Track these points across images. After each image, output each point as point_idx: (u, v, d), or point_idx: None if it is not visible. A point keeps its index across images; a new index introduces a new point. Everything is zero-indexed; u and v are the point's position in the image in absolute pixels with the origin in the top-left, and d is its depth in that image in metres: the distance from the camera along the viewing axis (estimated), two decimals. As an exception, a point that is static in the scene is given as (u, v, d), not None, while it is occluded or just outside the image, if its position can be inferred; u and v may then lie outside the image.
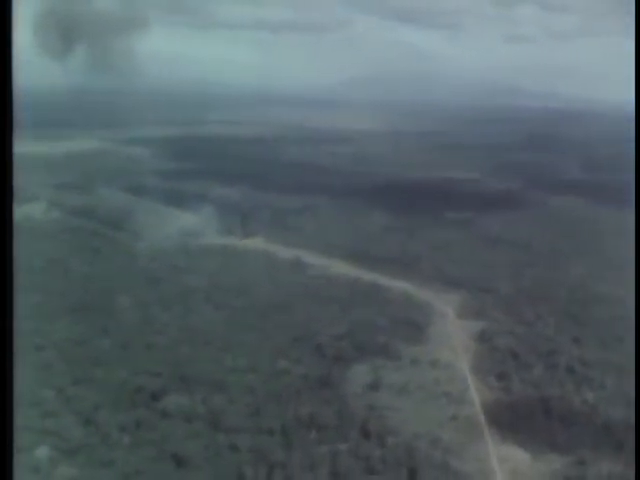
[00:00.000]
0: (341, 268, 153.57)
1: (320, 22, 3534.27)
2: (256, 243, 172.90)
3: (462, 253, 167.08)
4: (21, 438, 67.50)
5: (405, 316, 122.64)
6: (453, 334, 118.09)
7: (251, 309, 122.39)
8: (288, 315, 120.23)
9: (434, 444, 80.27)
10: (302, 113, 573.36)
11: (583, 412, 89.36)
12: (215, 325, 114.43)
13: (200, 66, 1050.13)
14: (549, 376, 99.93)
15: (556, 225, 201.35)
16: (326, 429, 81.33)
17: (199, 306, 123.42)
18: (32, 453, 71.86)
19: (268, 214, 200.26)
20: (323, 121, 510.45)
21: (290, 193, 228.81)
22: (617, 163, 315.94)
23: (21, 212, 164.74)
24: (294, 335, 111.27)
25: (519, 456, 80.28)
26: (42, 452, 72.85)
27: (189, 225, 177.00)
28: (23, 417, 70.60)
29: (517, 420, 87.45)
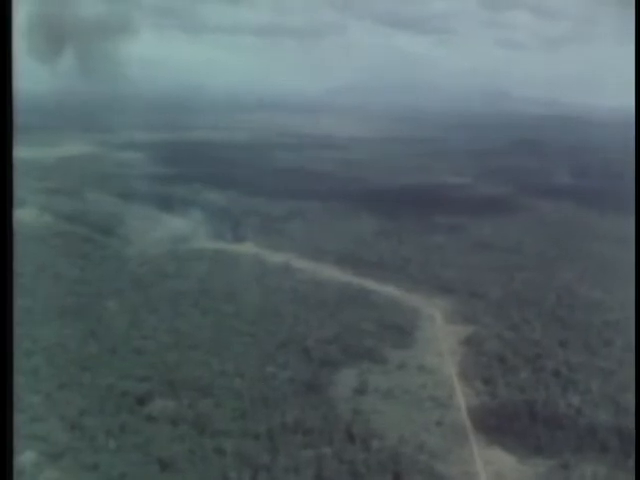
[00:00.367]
0: (330, 273, 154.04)
1: (310, 27, 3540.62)
2: (245, 248, 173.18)
3: (451, 258, 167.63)
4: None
5: (393, 321, 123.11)
6: (441, 339, 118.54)
7: (240, 314, 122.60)
8: (276, 320, 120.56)
9: (419, 448, 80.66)
10: (292, 118, 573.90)
11: (568, 416, 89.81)
12: (203, 330, 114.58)
13: (190, 71, 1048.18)
14: (535, 380, 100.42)
15: (545, 230, 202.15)
16: (312, 433, 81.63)
17: (188, 311, 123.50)
18: (18, 458, 71.85)
19: (258, 219, 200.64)
20: (313, 126, 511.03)
21: (280, 198, 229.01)
22: (607, 169, 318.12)
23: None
24: (282, 339, 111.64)
25: (504, 459, 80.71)
26: (27, 457, 72.84)
27: (179, 230, 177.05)
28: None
29: (502, 424, 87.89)
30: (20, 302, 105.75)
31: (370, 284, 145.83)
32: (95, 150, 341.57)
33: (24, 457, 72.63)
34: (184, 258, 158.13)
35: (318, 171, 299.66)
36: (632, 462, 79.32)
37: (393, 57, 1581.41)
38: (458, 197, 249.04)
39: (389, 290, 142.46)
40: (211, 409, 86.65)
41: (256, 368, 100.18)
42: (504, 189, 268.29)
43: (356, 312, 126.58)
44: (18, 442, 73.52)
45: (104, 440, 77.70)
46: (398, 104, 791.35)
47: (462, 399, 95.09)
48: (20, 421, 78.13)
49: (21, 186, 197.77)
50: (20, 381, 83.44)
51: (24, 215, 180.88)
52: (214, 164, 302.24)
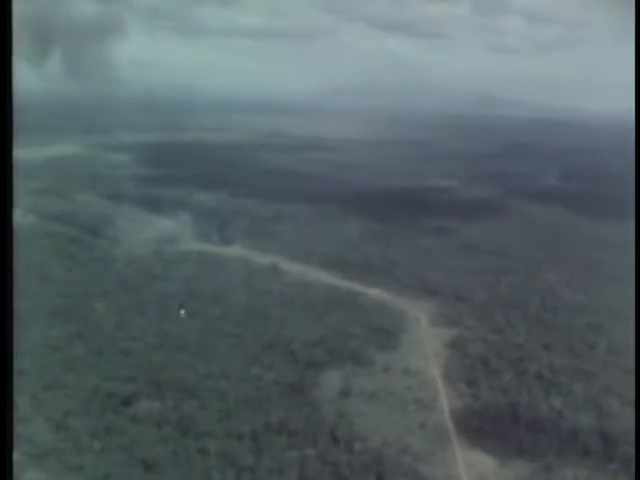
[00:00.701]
0: (318, 275, 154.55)
1: (304, 30, 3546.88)
2: (233, 250, 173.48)
3: (438, 261, 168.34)
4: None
5: (379, 323, 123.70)
6: (426, 341, 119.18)
7: (226, 316, 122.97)
8: (263, 322, 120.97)
9: (402, 450, 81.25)
10: (284, 120, 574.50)
11: (550, 418, 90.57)
12: (190, 332, 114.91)
13: (183, 73, 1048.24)
14: (518, 383, 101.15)
15: (533, 233, 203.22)
16: (295, 434, 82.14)
17: (175, 313, 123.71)
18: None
19: (246, 221, 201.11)
20: (304, 129, 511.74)
21: (269, 200, 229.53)
22: (596, 173, 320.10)
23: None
24: (268, 341, 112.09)
25: (486, 462, 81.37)
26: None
27: (167, 232, 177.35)
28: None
29: (485, 426, 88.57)
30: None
31: (357, 287, 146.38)
32: (84, 151, 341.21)
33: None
34: (172, 260, 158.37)
35: (308, 173, 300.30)
36: (613, 465, 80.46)
37: (386, 60, 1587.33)
38: (447, 200, 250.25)
39: (376, 293, 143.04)
40: (196, 410, 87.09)
41: (241, 370, 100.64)
42: (493, 192, 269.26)
43: (343, 315, 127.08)
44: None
45: (88, 441, 78.01)
46: (390, 107, 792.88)
47: (446, 401, 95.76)
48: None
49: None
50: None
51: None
52: (204, 165, 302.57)
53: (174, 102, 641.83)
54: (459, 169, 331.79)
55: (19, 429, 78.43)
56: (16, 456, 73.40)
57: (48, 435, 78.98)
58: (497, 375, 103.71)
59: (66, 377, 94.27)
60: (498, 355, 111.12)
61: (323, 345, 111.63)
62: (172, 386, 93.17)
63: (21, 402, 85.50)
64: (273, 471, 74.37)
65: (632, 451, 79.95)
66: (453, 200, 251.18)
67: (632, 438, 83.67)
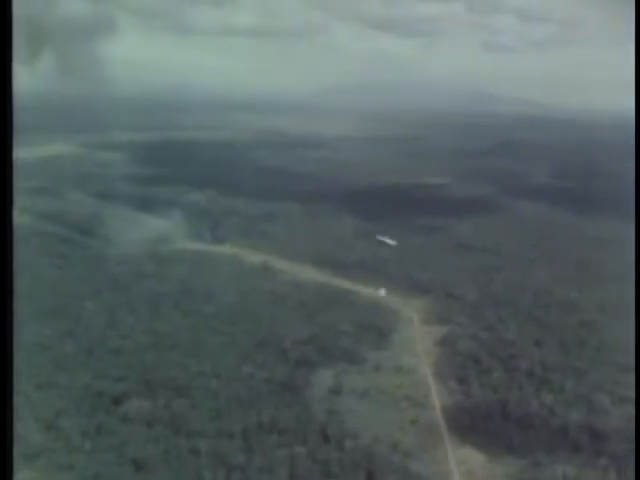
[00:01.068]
0: (310, 274, 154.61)
1: (297, 29, 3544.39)
2: (225, 249, 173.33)
3: (430, 259, 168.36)
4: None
5: (370, 321, 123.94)
6: (417, 339, 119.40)
7: (218, 314, 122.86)
8: (255, 320, 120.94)
9: (393, 447, 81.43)
10: (277, 119, 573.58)
11: (540, 415, 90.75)
12: (182, 330, 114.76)
13: (175, 71, 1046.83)
14: (508, 380, 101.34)
15: (525, 231, 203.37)
16: (286, 433, 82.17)
17: (166, 311, 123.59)
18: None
19: (238, 220, 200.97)
20: (297, 127, 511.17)
21: (261, 199, 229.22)
22: (588, 170, 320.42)
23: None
24: (260, 340, 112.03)
25: (476, 458, 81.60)
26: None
27: (159, 231, 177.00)
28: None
29: (475, 423, 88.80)
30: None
31: (349, 285, 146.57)
32: (77, 151, 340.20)
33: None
34: (163, 259, 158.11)
35: (301, 172, 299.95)
36: (603, 461, 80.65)
37: (379, 59, 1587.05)
38: (439, 198, 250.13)
39: (368, 291, 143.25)
40: (187, 409, 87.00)
41: (233, 368, 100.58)
42: (485, 190, 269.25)
43: (334, 313, 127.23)
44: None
45: (79, 441, 77.84)
46: (383, 105, 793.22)
47: (437, 399, 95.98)
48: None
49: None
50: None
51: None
52: (197, 164, 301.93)
53: (167, 101, 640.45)
54: (452, 167, 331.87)
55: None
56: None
57: (39, 435, 78.76)
58: (488, 372, 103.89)
59: (57, 376, 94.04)
60: (489, 352, 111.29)
61: (314, 343, 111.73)
62: (163, 385, 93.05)
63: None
64: (263, 470, 74.37)
65: (621, 447, 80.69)
66: (445, 198, 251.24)
67: (622, 435, 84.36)
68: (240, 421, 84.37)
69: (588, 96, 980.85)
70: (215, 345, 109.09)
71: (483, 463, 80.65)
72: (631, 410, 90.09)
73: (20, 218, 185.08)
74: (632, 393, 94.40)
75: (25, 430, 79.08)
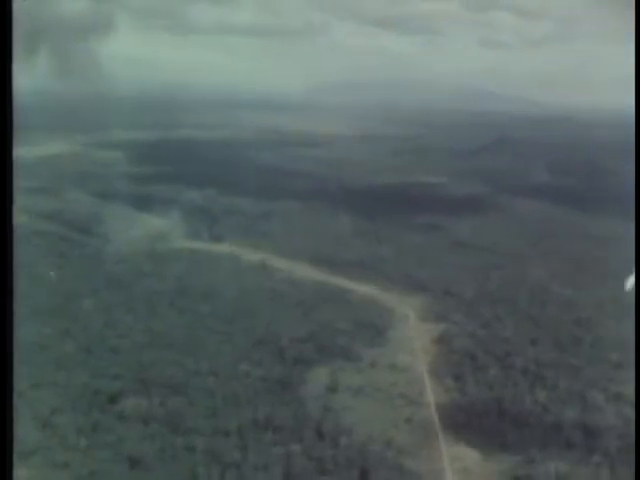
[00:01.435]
0: (308, 272, 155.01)
1: (296, 27, 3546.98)
2: (223, 247, 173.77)
3: (428, 257, 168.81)
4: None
5: (367, 319, 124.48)
6: (414, 337, 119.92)
7: (216, 313, 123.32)
8: (253, 319, 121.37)
9: (388, 445, 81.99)
10: (275, 117, 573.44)
11: (534, 412, 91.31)
12: (179, 329, 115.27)
13: (174, 70, 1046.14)
14: (504, 377, 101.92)
15: (522, 229, 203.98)
16: (281, 430, 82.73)
17: (164, 310, 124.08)
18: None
19: (236, 218, 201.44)
20: (296, 125, 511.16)
21: (259, 197, 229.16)
22: (585, 168, 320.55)
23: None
24: (257, 338, 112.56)
25: (470, 455, 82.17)
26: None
27: (157, 229, 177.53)
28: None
29: (470, 420, 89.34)
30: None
31: (347, 283, 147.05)
32: (76, 149, 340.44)
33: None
34: (162, 257, 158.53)
35: (299, 170, 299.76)
36: (596, 458, 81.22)
37: (378, 57, 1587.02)
38: (437, 196, 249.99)
39: (365, 289, 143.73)
40: (183, 407, 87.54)
41: (230, 366, 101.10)
42: (483, 188, 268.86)
43: (331, 311, 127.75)
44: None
45: (75, 438, 78.38)
46: (381, 103, 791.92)
47: (432, 396, 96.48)
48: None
49: None
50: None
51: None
52: (196, 163, 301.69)
53: (166, 100, 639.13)
54: (449, 165, 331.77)
55: (7, 427, 78.84)
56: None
57: (35, 433, 79.23)
58: (484, 370, 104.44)
59: (55, 375, 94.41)
60: (485, 350, 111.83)
61: (312, 341, 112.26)
62: (160, 383, 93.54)
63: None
64: (258, 467, 74.96)
65: (614, 444, 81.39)
66: (443, 196, 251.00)
67: (615, 432, 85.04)
68: (236, 419, 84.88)
69: (586, 94, 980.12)
70: (212, 343, 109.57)
71: (477, 460, 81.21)
72: (624, 407, 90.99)
73: (19, 218, 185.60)
74: (626, 390, 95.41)
75: (21, 428, 79.60)
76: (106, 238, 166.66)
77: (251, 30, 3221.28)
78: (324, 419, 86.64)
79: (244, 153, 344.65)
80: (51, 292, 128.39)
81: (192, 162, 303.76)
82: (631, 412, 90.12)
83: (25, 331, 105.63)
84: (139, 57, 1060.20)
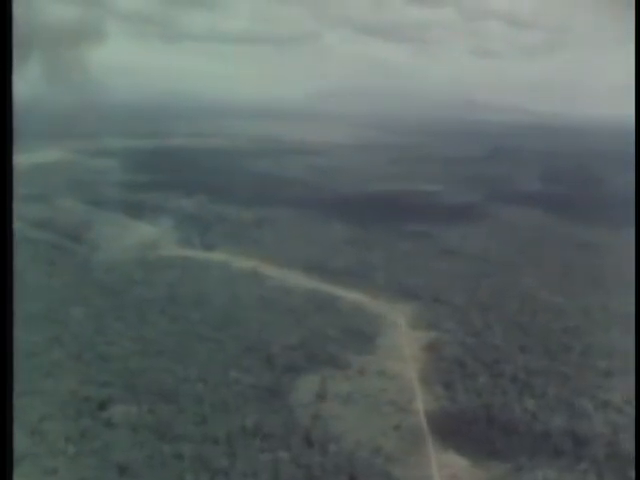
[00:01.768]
0: (299, 280, 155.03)
1: (288, 35, 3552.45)
2: (215, 255, 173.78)
3: (419, 265, 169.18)
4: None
5: (357, 327, 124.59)
6: (403, 344, 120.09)
7: (206, 320, 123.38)
8: (243, 326, 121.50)
9: (376, 452, 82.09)
10: (268, 125, 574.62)
11: (523, 419, 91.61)
12: (169, 336, 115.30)
13: (167, 78, 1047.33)
14: (493, 385, 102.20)
15: (513, 237, 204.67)
16: (270, 437, 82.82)
17: (154, 318, 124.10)
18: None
19: (228, 226, 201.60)
20: (289, 133, 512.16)
21: (251, 205, 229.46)
22: (577, 176, 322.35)
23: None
24: (247, 346, 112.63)
25: (459, 463, 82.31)
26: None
27: (148, 237, 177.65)
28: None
29: (459, 428, 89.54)
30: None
31: (337, 291, 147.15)
32: (68, 156, 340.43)
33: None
34: (153, 265, 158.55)
35: (291, 178, 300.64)
36: (584, 465, 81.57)
37: (371, 65, 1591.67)
38: (430, 204, 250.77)
39: (355, 297, 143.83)
40: (172, 414, 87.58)
41: (219, 374, 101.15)
42: (475, 197, 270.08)
43: (322, 319, 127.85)
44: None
45: (63, 445, 78.40)
46: (375, 112, 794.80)
47: (421, 404, 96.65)
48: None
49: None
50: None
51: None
52: (188, 171, 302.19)
53: (159, 108, 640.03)
54: (443, 174, 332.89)
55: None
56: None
57: (23, 440, 79.12)
58: (473, 378, 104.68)
59: (44, 382, 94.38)
60: (475, 358, 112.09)
61: (302, 349, 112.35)
62: (148, 390, 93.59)
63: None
64: (247, 474, 75.04)
65: (602, 451, 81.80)
66: (436, 205, 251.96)
67: (603, 439, 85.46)
68: (225, 426, 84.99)
69: (580, 103, 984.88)
70: (202, 351, 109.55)
71: (466, 467, 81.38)
72: (612, 414, 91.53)
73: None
74: (614, 397, 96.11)
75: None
76: (97, 246, 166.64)
77: (244, 38, 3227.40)
78: (313, 426, 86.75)
79: (237, 161, 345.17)
80: (42, 300, 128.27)
81: (185, 170, 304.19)
82: (619, 419, 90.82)
83: (16, 339, 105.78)
84: (133, 64, 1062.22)
